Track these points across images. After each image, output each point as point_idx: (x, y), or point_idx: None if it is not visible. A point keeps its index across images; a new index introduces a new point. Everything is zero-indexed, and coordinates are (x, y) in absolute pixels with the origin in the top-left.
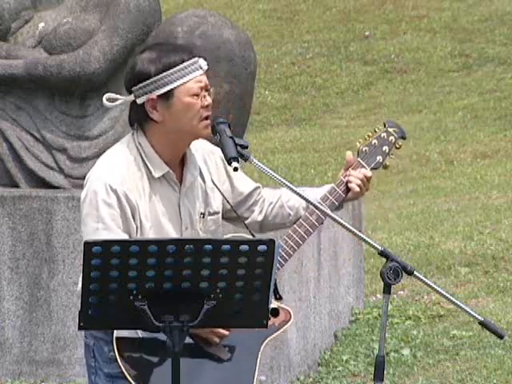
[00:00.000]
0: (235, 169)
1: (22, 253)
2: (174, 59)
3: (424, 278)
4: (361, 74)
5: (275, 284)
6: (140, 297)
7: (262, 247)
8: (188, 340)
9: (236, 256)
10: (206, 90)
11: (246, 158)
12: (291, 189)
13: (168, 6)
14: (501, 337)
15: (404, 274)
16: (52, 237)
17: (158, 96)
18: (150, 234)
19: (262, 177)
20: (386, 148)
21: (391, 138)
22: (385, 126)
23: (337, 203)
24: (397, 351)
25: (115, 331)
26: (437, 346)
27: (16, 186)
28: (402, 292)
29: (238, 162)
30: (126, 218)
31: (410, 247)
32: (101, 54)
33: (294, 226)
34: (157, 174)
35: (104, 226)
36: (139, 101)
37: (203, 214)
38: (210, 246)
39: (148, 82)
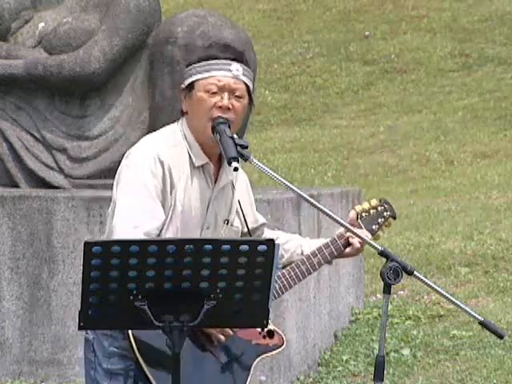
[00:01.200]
0: (235, 169)
1: (22, 253)
2: (208, 54)
3: (424, 278)
4: (361, 74)
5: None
6: (140, 297)
7: (261, 247)
8: (187, 341)
9: (236, 256)
10: (232, 93)
11: (246, 158)
12: (294, 190)
13: (168, 5)
14: (501, 337)
15: (404, 273)
16: (52, 237)
17: (186, 86)
18: (178, 219)
19: (262, 177)
20: (381, 220)
21: (386, 213)
22: (380, 201)
23: (335, 253)
24: (397, 351)
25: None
26: (437, 346)
27: (16, 186)
28: (402, 292)
29: (238, 161)
30: (165, 193)
31: (410, 247)
32: (101, 54)
33: (298, 261)
34: (197, 163)
35: (147, 193)
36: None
37: (227, 221)
38: (209, 246)
39: (184, 71)
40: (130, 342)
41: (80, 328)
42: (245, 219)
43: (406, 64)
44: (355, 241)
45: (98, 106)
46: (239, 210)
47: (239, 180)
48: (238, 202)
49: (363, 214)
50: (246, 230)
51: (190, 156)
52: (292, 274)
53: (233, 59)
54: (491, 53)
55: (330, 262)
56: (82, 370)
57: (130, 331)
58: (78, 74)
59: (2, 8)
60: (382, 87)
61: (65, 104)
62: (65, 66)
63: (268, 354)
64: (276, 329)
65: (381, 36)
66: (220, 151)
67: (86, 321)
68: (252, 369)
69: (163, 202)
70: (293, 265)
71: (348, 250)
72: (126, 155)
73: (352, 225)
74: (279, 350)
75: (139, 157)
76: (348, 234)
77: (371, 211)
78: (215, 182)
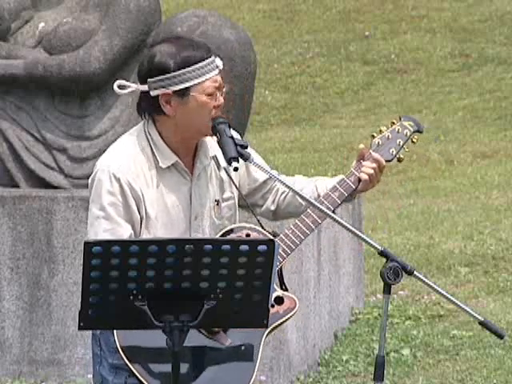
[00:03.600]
0: (235, 169)
1: (22, 253)
2: (195, 56)
3: (424, 278)
4: (361, 74)
5: (281, 275)
6: (140, 297)
7: (261, 247)
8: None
9: (236, 256)
10: (219, 90)
11: (245, 158)
12: (289, 187)
13: (168, 5)
14: (501, 337)
15: (404, 273)
16: (52, 237)
17: (174, 91)
18: (158, 224)
19: None
20: (399, 141)
21: (406, 131)
22: (400, 119)
23: (346, 194)
24: (397, 351)
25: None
26: (437, 346)
27: (16, 186)
28: (402, 292)
29: (237, 161)
30: (128, 208)
31: (410, 247)
32: (101, 54)
33: (302, 216)
34: (164, 165)
35: (105, 214)
36: (153, 93)
37: (218, 202)
38: (209, 246)
39: (166, 76)
40: (117, 345)
41: (80, 328)
42: (235, 185)
43: (406, 64)
44: (362, 174)
45: (97, 106)
46: (228, 177)
47: None
48: (225, 171)
49: (377, 141)
50: (246, 190)
51: (155, 159)
52: (301, 226)
53: (212, 55)
54: (491, 53)
55: (348, 200)
56: (81, 370)
57: (115, 335)
58: (78, 74)
59: (2, 8)
60: (382, 87)
61: (65, 104)
62: (65, 66)
63: (281, 321)
64: (285, 293)
65: (381, 36)
66: (196, 144)
67: (86, 321)
68: (262, 342)
69: (129, 217)
70: (301, 217)
71: (360, 186)
72: (94, 169)
73: (362, 158)
74: (293, 312)
75: (96, 176)
76: (357, 169)
77: (387, 134)
78: (192, 172)
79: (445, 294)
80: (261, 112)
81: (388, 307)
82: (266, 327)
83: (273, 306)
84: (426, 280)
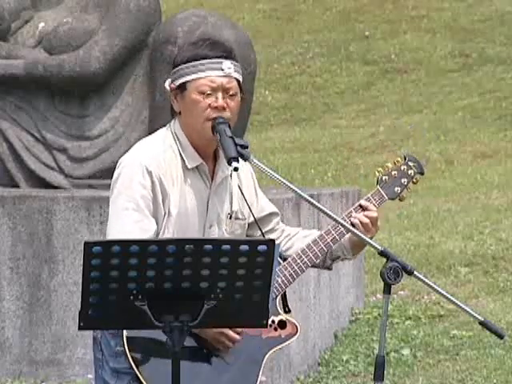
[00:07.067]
0: (235, 169)
1: (22, 253)
2: (198, 53)
3: (424, 278)
4: (361, 74)
5: (285, 296)
6: (140, 297)
7: (261, 247)
8: (193, 343)
9: (236, 256)
10: (226, 93)
11: (246, 158)
12: (294, 190)
13: (168, 5)
14: (501, 337)
15: (404, 273)
16: (52, 237)
17: (177, 87)
18: (177, 223)
19: (262, 177)
20: (404, 180)
21: (410, 171)
22: (405, 159)
23: (338, 238)
24: (397, 351)
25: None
26: (437, 346)
27: (16, 186)
28: (402, 292)
29: (238, 161)
30: (156, 203)
31: (410, 247)
32: (101, 54)
33: (310, 243)
34: (190, 165)
35: (135, 206)
36: (167, 86)
37: (230, 215)
38: (209, 246)
39: (173, 70)
40: (124, 347)
41: (80, 328)
42: (249, 208)
43: (406, 64)
44: (355, 220)
45: (97, 106)
46: (242, 199)
47: (243, 170)
48: (240, 190)
49: (384, 178)
50: (252, 219)
51: (182, 158)
52: (309, 252)
53: (223, 56)
54: (491, 53)
55: (332, 251)
56: (81, 370)
57: (124, 338)
58: (78, 73)
59: (2, 8)
60: (382, 87)
61: (65, 104)
62: (65, 66)
63: (282, 345)
64: (288, 318)
65: (381, 36)
66: (214, 149)
67: (86, 321)
68: (263, 364)
69: (155, 212)
70: (309, 244)
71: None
72: (117, 165)
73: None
74: (293, 338)
75: (127, 169)
76: (350, 219)
77: (393, 172)
78: (212, 179)
79: (445, 294)
80: (261, 112)
81: (388, 307)
82: (266, 327)
83: (276, 329)
84: (426, 280)
